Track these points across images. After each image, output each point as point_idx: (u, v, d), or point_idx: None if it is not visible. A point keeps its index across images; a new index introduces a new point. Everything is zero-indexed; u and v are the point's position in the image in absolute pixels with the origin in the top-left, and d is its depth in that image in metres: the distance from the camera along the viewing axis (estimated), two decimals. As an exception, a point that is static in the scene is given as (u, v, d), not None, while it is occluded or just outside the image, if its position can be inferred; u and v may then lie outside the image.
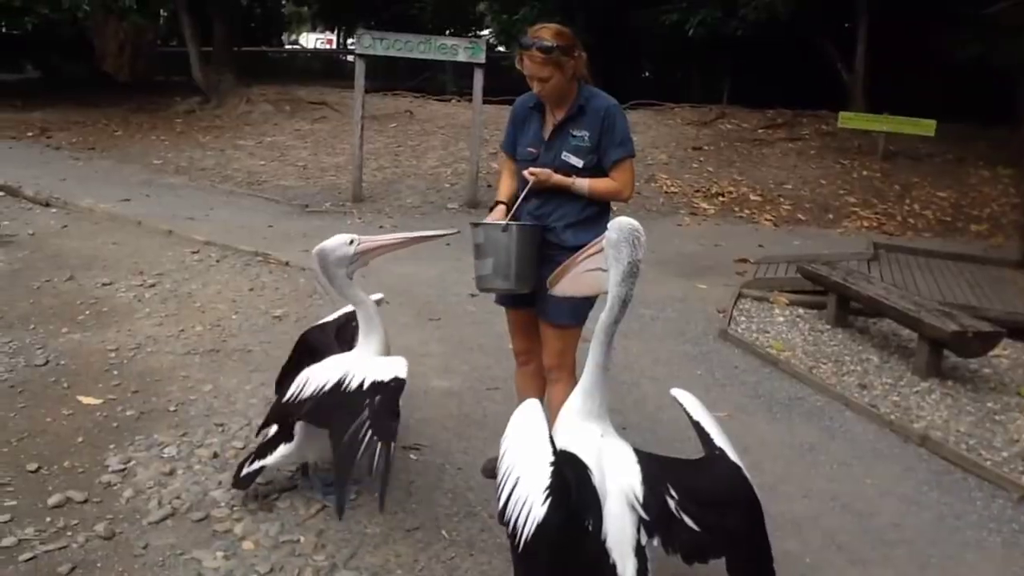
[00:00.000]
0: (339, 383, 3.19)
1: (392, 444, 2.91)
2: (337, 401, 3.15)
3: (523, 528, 2.50)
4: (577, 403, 2.88)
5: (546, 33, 3.47)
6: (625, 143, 3.61)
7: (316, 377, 3.39)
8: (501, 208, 3.75)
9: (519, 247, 3.54)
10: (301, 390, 3.40)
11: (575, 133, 3.59)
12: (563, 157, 3.59)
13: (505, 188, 3.86)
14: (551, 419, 3.88)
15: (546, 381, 3.86)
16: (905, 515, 4.05)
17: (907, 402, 5.42)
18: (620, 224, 2.77)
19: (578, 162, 3.58)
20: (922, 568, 3.61)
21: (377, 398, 3.02)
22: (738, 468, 2.85)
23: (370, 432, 2.92)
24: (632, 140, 3.67)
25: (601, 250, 2.85)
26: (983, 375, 6.00)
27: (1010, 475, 4.45)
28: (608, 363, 2.89)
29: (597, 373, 2.86)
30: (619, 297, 2.79)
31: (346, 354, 3.64)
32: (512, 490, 2.57)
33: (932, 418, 5.18)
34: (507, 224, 3.54)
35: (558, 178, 3.55)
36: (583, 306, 3.67)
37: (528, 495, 2.53)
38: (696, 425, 3.09)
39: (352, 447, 2.91)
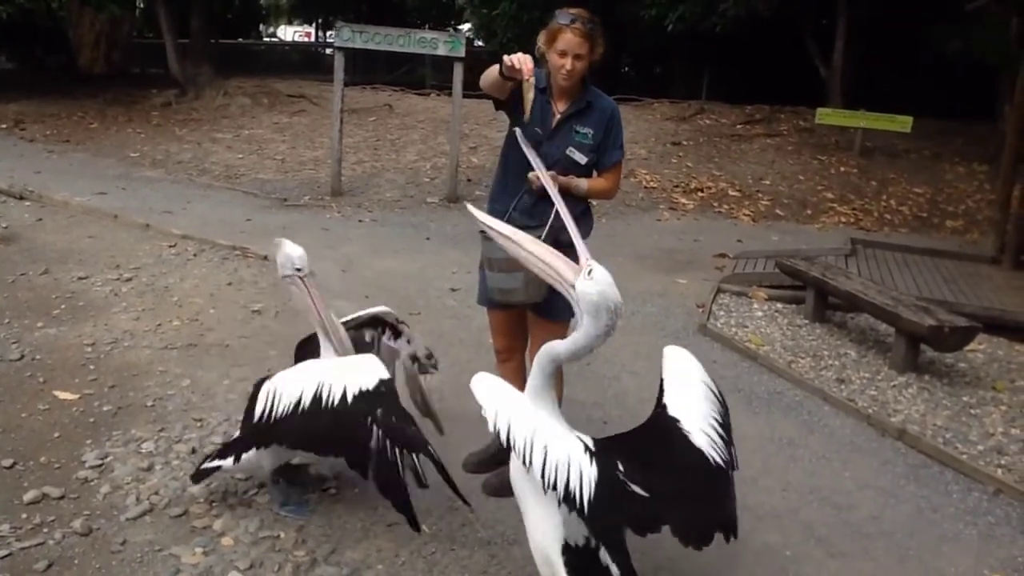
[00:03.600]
0: (317, 398, 3.04)
1: (429, 446, 2.89)
2: (327, 423, 3.00)
3: (579, 488, 2.50)
4: (528, 399, 2.85)
5: (583, 12, 3.42)
6: (622, 146, 3.68)
7: (287, 390, 3.20)
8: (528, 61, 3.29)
9: None
10: (273, 407, 3.21)
11: (579, 129, 3.56)
12: (568, 152, 3.57)
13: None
14: None
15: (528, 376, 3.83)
16: (883, 508, 4.08)
17: (884, 396, 5.46)
18: (604, 292, 2.64)
19: (582, 159, 3.57)
20: (900, 560, 3.64)
21: (378, 410, 2.90)
22: (675, 421, 2.87)
23: (398, 448, 2.84)
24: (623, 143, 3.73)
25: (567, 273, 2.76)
26: (959, 370, 6.06)
27: (986, 468, 4.49)
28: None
29: (540, 378, 2.83)
30: (588, 348, 2.75)
31: (313, 361, 3.52)
32: (546, 455, 2.54)
33: (909, 412, 5.23)
34: (541, 234, 3.40)
35: (566, 180, 3.54)
36: (569, 304, 3.64)
37: (570, 455, 2.55)
38: (661, 383, 3.10)
39: (390, 472, 2.84)
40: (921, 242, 10.57)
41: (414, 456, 2.89)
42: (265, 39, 41.07)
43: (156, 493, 3.62)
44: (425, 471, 3.03)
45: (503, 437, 2.58)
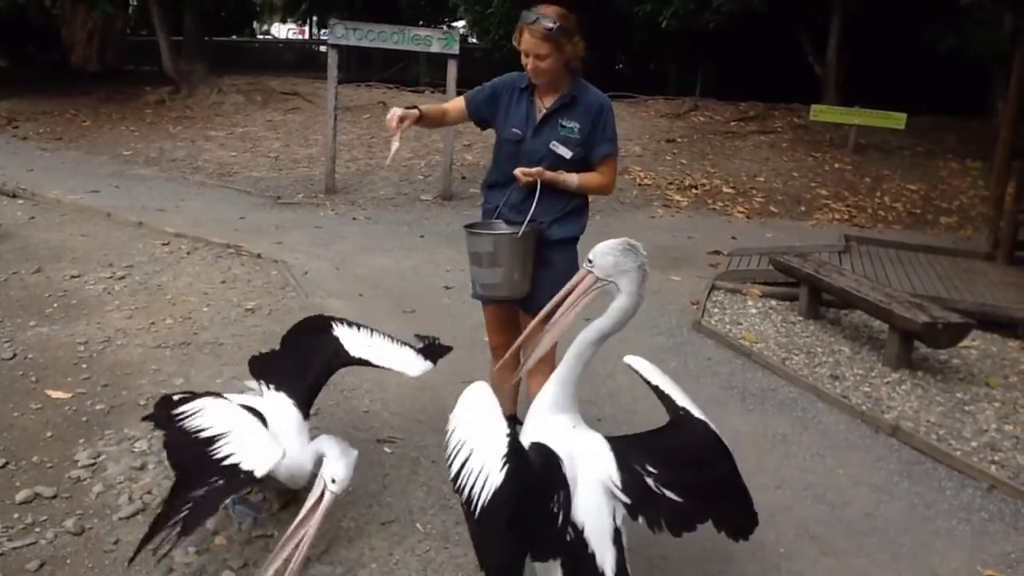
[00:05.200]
0: (210, 440, 3.01)
1: (191, 532, 2.75)
2: (196, 456, 2.98)
3: (479, 495, 2.45)
4: (550, 394, 2.85)
5: (550, 11, 3.44)
6: (614, 140, 3.63)
7: (206, 417, 3.16)
8: (415, 112, 3.57)
9: (526, 252, 3.55)
10: (188, 416, 3.18)
11: (565, 123, 3.57)
12: (551, 147, 3.57)
13: (435, 109, 3.79)
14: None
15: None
16: (877, 505, 4.08)
17: (878, 393, 5.46)
18: (609, 246, 2.75)
19: (567, 153, 3.57)
20: (894, 557, 3.65)
21: (220, 481, 2.84)
22: (704, 424, 2.89)
23: (194, 506, 2.75)
24: (617, 138, 3.68)
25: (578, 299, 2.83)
26: (953, 366, 6.07)
27: (979, 464, 4.50)
28: (589, 361, 2.88)
29: (577, 368, 2.84)
30: (630, 308, 2.81)
31: (254, 402, 3.47)
32: (465, 461, 2.54)
33: (903, 408, 5.23)
34: (519, 232, 3.49)
35: (549, 175, 3.53)
36: None
37: (484, 464, 2.50)
38: (656, 389, 3.11)
39: (201, 508, 2.76)
40: (915, 238, 10.58)
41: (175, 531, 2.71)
42: (259, 36, 40.97)
43: (149, 492, 3.60)
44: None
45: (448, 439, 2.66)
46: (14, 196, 8.90)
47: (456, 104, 3.84)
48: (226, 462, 2.90)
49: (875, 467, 4.49)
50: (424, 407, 4.72)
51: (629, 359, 3.26)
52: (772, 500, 4.03)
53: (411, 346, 3.85)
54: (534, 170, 3.51)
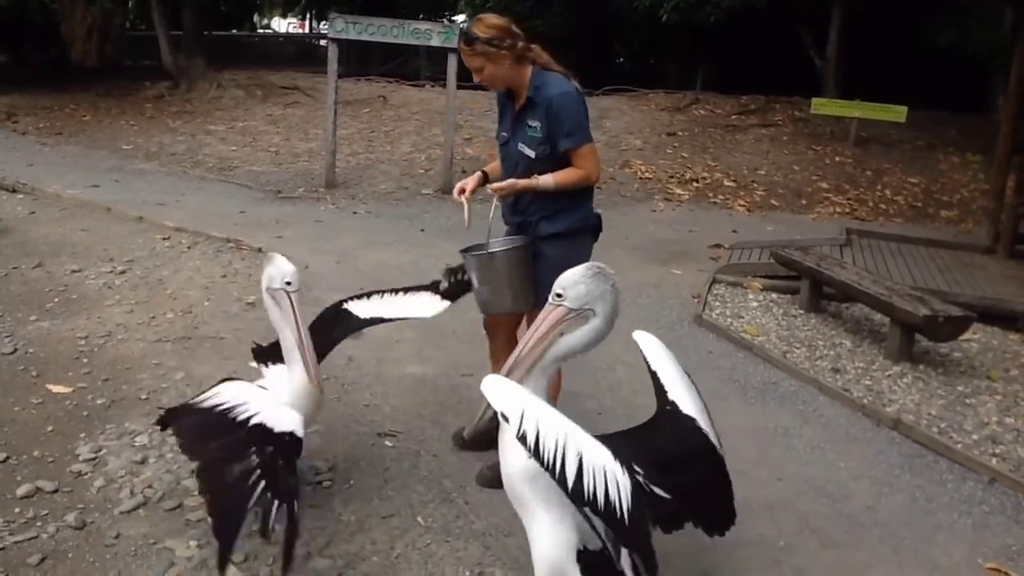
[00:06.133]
0: (228, 409, 2.93)
1: (294, 504, 2.60)
2: (218, 429, 2.88)
3: (619, 498, 2.39)
4: None
5: (478, 25, 3.60)
6: (575, 132, 3.57)
7: (217, 396, 3.09)
8: (478, 175, 3.89)
9: (508, 270, 3.59)
10: (202, 399, 3.11)
11: (530, 123, 3.63)
12: (519, 148, 3.67)
13: (494, 163, 3.98)
14: None
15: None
16: (878, 498, 4.08)
17: (879, 386, 5.46)
18: (578, 274, 2.72)
19: (531, 152, 3.62)
20: (895, 550, 3.65)
21: (268, 448, 2.73)
22: (692, 420, 2.85)
23: (262, 486, 2.60)
24: (586, 127, 3.62)
25: (549, 331, 2.75)
26: (954, 359, 6.06)
27: (980, 457, 4.50)
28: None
29: (542, 381, 2.78)
30: (605, 330, 2.77)
31: (259, 384, 3.49)
32: (581, 461, 2.38)
33: (904, 402, 5.23)
34: (492, 252, 3.60)
35: (522, 183, 3.59)
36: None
37: (604, 463, 2.42)
38: (653, 375, 3.05)
39: (239, 501, 2.58)
40: (916, 232, 10.58)
41: (275, 504, 2.59)
42: (259, 31, 40.90)
43: (150, 486, 3.61)
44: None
45: (530, 443, 2.37)
46: (14, 191, 8.90)
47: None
48: (253, 422, 2.86)
49: (876, 460, 4.48)
50: (424, 401, 4.72)
51: (637, 335, 3.19)
52: (773, 493, 4.03)
53: (425, 287, 3.87)
54: (501, 184, 3.61)
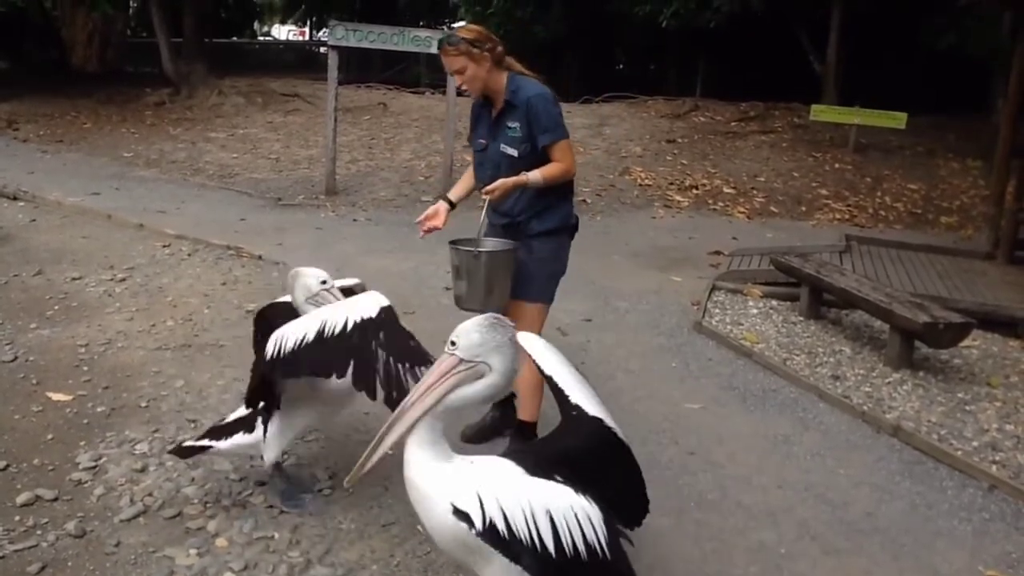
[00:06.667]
0: (321, 331, 2.99)
1: (429, 357, 2.82)
2: (333, 347, 2.95)
3: (596, 534, 2.37)
4: (430, 457, 2.52)
5: (460, 31, 3.80)
6: (553, 129, 3.79)
7: (294, 331, 3.11)
8: (442, 205, 4.02)
9: (489, 272, 3.69)
10: (281, 347, 3.10)
11: (510, 125, 3.84)
12: (501, 148, 3.87)
13: (460, 185, 4.21)
14: (517, 397, 4.02)
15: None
16: (878, 505, 4.08)
17: (879, 393, 5.46)
18: (473, 323, 2.51)
19: (514, 152, 3.84)
20: (895, 557, 3.65)
21: (380, 333, 2.91)
22: (599, 421, 2.76)
23: (401, 365, 2.84)
24: (562, 124, 3.84)
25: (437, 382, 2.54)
26: (954, 366, 6.06)
27: (980, 464, 4.49)
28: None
29: (437, 427, 2.54)
30: (503, 386, 2.56)
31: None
32: (552, 520, 2.32)
33: (904, 408, 5.23)
34: (479, 252, 3.70)
35: (512, 181, 3.74)
36: (542, 287, 3.98)
37: (571, 504, 2.37)
38: (550, 380, 2.90)
39: (398, 388, 2.80)
40: (916, 238, 10.57)
41: (402, 366, 2.86)
42: (259, 38, 40.99)
43: (150, 494, 3.60)
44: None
45: (504, 536, 2.25)
46: (15, 198, 8.91)
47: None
48: (353, 322, 2.96)
49: (876, 467, 4.48)
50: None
51: (523, 338, 2.91)
52: (773, 500, 4.03)
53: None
54: (493, 186, 3.73)
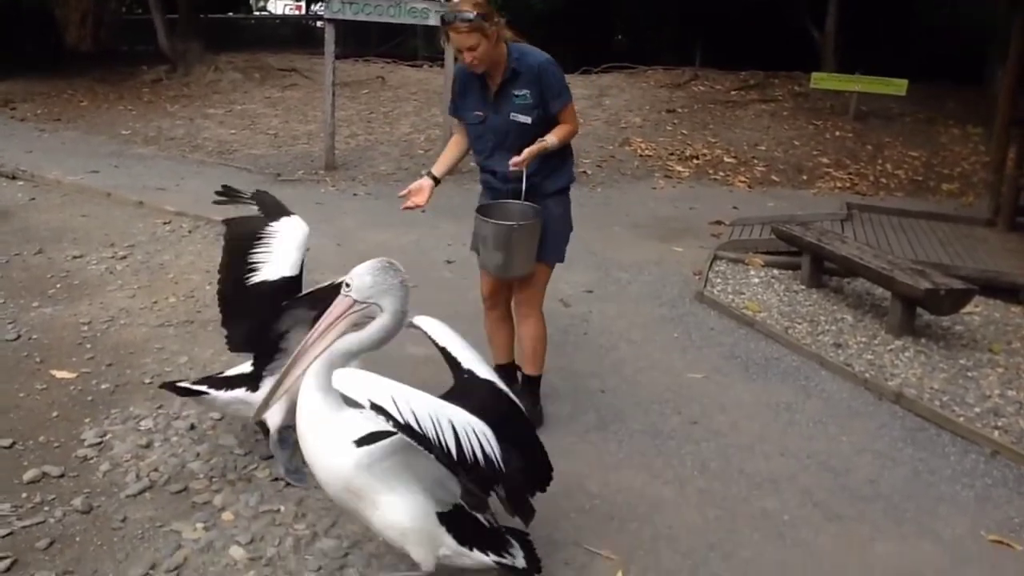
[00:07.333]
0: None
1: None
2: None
3: (492, 447, 2.56)
4: (320, 403, 2.65)
5: (464, 5, 3.67)
6: (563, 92, 3.86)
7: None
8: (427, 181, 4.07)
9: (528, 241, 3.83)
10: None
11: (517, 93, 3.83)
12: (512, 117, 3.85)
13: (444, 159, 4.18)
14: (522, 353, 4.15)
15: (515, 320, 4.22)
16: (880, 471, 4.10)
17: (881, 360, 5.47)
18: (367, 266, 2.65)
19: (526, 119, 3.84)
20: (897, 523, 3.67)
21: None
22: (490, 383, 2.94)
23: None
24: (567, 86, 3.91)
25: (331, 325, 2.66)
26: (955, 332, 6.07)
27: (982, 430, 4.51)
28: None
29: (326, 375, 2.66)
30: (393, 327, 2.70)
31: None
32: (455, 427, 2.47)
33: (906, 375, 5.24)
34: (519, 224, 3.78)
35: (537, 148, 3.76)
36: (557, 246, 4.04)
37: (467, 420, 2.57)
38: (443, 351, 3.10)
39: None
40: (917, 206, 10.55)
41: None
42: (255, 12, 40.67)
43: (156, 470, 3.63)
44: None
45: (416, 431, 2.36)
46: (13, 178, 8.88)
47: (456, 131, 4.22)
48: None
49: (878, 434, 4.50)
50: (425, 381, 4.68)
51: (418, 320, 3.15)
52: (776, 468, 4.05)
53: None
54: (522, 156, 3.73)
